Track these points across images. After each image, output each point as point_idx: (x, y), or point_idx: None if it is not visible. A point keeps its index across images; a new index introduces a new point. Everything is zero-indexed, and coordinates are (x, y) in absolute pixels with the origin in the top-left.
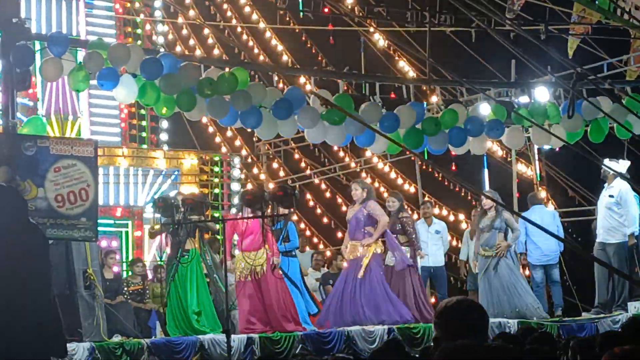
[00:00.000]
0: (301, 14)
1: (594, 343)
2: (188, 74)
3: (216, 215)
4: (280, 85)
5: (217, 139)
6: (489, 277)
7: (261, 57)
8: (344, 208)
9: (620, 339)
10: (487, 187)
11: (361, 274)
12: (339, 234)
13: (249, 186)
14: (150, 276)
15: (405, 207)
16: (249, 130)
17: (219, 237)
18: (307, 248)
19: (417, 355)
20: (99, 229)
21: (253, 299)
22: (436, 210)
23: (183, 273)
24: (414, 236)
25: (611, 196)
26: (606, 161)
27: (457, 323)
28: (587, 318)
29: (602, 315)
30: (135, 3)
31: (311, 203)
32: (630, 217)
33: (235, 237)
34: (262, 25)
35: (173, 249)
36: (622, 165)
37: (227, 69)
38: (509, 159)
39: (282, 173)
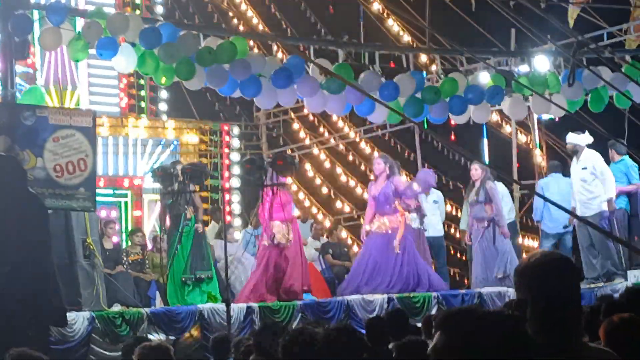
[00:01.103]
0: None
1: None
2: (187, 43)
3: (215, 185)
4: (280, 54)
5: (216, 109)
6: (482, 246)
7: (260, 27)
8: (343, 178)
9: (622, 307)
10: (486, 157)
11: (397, 247)
12: (338, 204)
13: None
14: (149, 246)
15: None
16: (248, 100)
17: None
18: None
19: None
20: (98, 199)
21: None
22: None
23: (185, 243)
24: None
25: (584, 168)
26: (570, 135)
27: (551, 280)
28: (585, 287)
29: (601, 284)
30: None
31: (310, 173)
32: (608, 184)
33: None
34: None
35: (174, 220)
36: (586, 137)
37: (226, 38)
38: (508, 129)
39: (281, 143)
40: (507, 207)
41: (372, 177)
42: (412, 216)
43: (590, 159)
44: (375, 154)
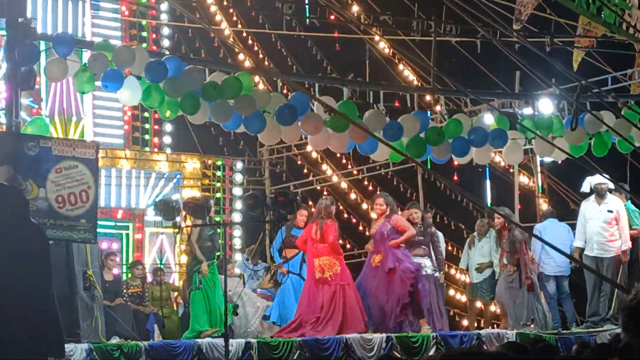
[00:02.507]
0: (307, 20)
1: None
2: (192, 77)
3: (217, 219)
4: (285, 91)
5: (220, 144)
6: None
7: (266, 63)
8: (345, 215)
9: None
10: (489, 198)
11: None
12: (339, 241)
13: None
14: (149, 279)
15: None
16: (251, 135)
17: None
18: None
19: None
20: (100, 230)
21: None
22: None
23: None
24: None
25: (610, 211)
26: (598, 176)
27: None
28: (585, 331)
29: (599, 329)
30: (141, 6)
31: (312, 209)
32: (625, 233)
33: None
34: (267, 30)
35: (206, 250)
36: (609, 182)
37: (231, 74)
38: (511, 170)
39: (284, 179)
40: None
41: (373, 215)
42: (425, 262)
43: (617, 203)
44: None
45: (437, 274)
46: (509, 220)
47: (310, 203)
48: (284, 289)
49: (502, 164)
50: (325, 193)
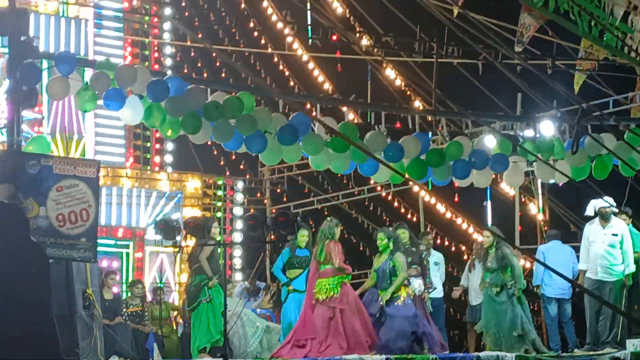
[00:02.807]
0: (310, 40)
1: None
2: (194, 97)
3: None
4: (286, 111)
5: (221, 163)
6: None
7: (268, 82)
8: (345, 235)
9: None
10: (489, 219)
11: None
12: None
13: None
14: (149, 298)
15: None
16: (253, 155)
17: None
18: None
19: None
20: (100, 249)
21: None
22: (437, 241)
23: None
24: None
25: (615, 235)
26: (607, 198)
27: None
28: (586, 354)
29: (600, 352)
30: (144, 25)
31: (313, 229)
32: (629, 256)
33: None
34: (270, 50)
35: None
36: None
37: (233, 93)
38: (512, 193)
39: (284, 199)
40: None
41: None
42: (417, 283)
43: (622, 227)
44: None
45: (424, 292)
46: (498, 236)
47: (311, 223)
48: (287, 312)
49: (503, 185)
50: (326, 213)
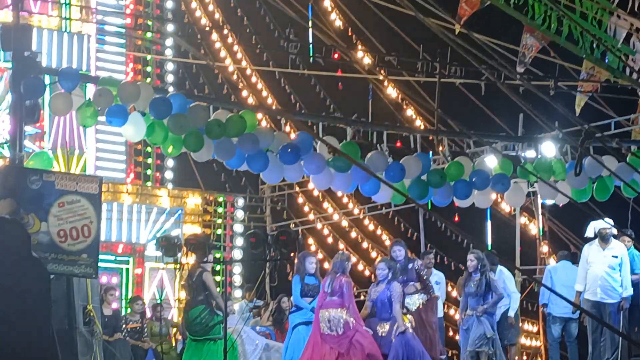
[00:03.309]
0: (311, 59)
1: None
2: (197, 114)
3: (218, 256)
4: (288, 129)
5: (222, 180)
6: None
7: (270, 100)
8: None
9: None
10: (489, 239)
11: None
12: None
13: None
14: (149, 314)
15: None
16: (253, 172)
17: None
18: None
19: None
20: (99, 264)
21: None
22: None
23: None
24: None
25: (615, 257)
26: (606, 220)
27: None
28: None
29: None
30: (146, 41)
31: (313, 248)
32: (628, 279)
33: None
34: (272, 68)
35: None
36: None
37: (235, 111)
38: (512, 213)
39: (285, 217)
40: (511, 290)
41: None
42: (414, 298)
43: (622, 249)
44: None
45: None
46: (482, 262)
47: (311, 241)
48: (294, 343)
49: (504, 206)
50: (326, 232)
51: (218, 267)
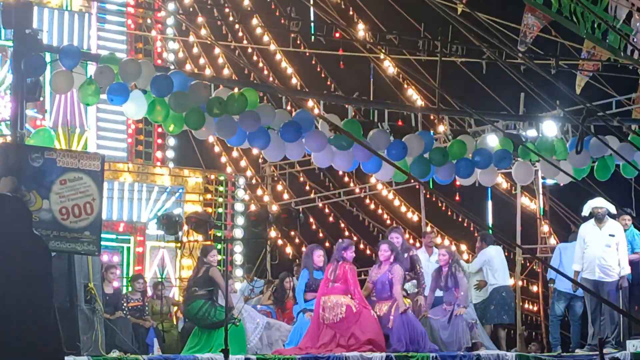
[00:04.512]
0: (312, 37)
1: None
2: (198, 92)
3: (219, 234)
4: (289, 107)
5: (223, 159)
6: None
7: (271, 79)
8: (346, 233)
9: None
10: (490, 219)
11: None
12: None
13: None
14: (150, 293)
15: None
16: (254, 151)
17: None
18: None
19: None
20: (101, 243)
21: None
22: (438, 240)
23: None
24: (421, 272)
25: (612, 235)
26: (600, 200)
27: None
28: (586, 354)
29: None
30: (147, 19)
31: (314, 227)
32: (625, 259)
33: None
34: (272, 47)
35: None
36: (611, 206)
37: (236, 89)
38: (513, 192)
39: (286, 195)
40: (501, 272)
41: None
42: (411, 283)
43: (618, 228)
44: (380, 211)
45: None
46: (455, 257)
47: (312, 220)
48: (299, 331)
49: (504, 185)
50: (327, 211)
51: (219, 246)
